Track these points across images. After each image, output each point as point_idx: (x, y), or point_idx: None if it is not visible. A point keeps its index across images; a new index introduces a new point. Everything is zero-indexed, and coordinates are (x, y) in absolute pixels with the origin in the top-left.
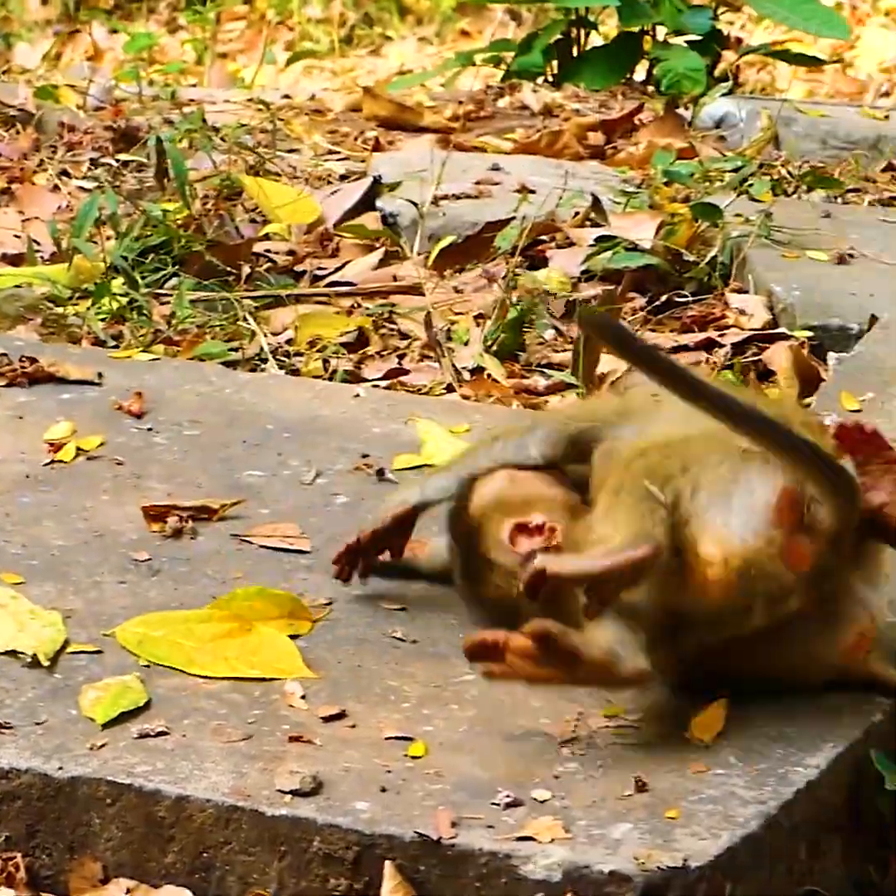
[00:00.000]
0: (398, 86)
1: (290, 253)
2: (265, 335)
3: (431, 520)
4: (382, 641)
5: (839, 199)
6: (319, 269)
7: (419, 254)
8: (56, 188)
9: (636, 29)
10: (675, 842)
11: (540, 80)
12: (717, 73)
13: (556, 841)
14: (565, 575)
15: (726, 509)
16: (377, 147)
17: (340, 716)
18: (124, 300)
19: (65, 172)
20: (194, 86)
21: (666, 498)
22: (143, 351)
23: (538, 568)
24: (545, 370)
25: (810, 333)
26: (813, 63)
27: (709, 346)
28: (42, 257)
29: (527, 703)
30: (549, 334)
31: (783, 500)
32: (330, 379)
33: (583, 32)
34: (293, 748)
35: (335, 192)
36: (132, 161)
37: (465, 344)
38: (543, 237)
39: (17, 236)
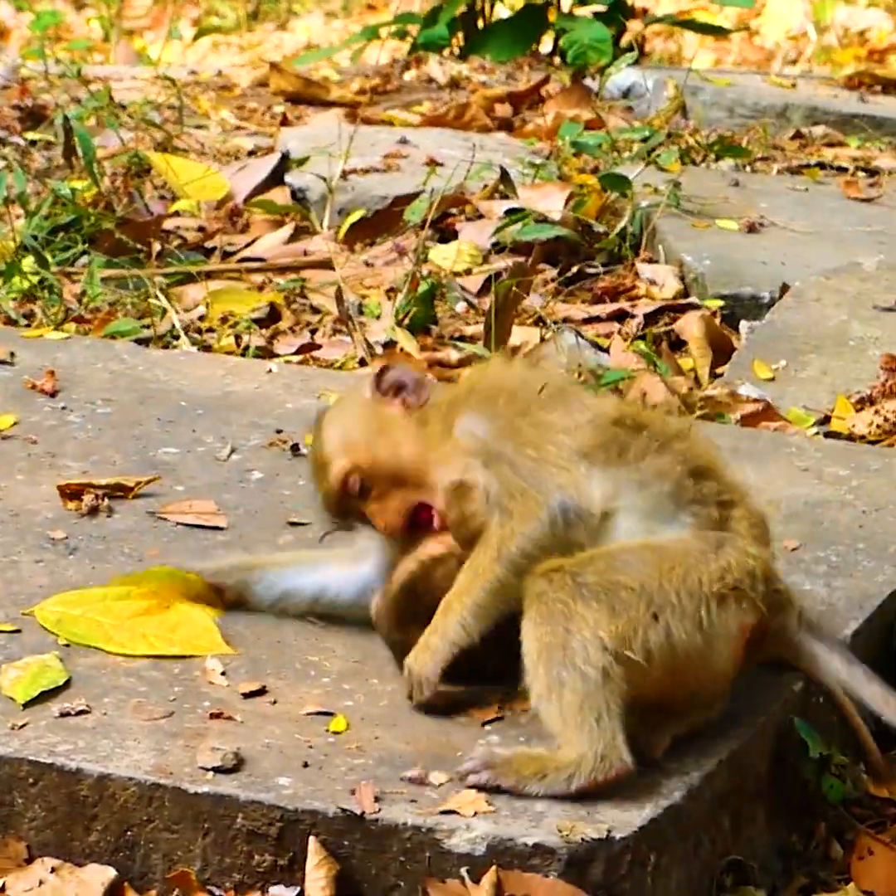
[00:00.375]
0: (305, 60)
1: (200, 229)
2: (177, 312)
3: None
4: (300, 617)
5: (748, 168)
6: (229, 245)
7: (329, 228)
8: None
9: (541, 1)
10: (598, 814)
11: (446, 52)
12: (622, 43)
13: (480, 815)
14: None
15: None
16: (285, 122)
17: (261, 692)
18: (35, 279)
19: None
20: (101, 63)
21: None
22: (54, 329)
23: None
24: (458, 343)
25: (722, 303)
26: (719, 32)
27: (620, 316)
28: None
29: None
30: (460, 307)
31: None
32: (242, 355)
33: (488, 4)
34: (214, 725)
35: (243, 167)
36: (40, 140)
37: (377, 318)
38: (453, 210)
39: None
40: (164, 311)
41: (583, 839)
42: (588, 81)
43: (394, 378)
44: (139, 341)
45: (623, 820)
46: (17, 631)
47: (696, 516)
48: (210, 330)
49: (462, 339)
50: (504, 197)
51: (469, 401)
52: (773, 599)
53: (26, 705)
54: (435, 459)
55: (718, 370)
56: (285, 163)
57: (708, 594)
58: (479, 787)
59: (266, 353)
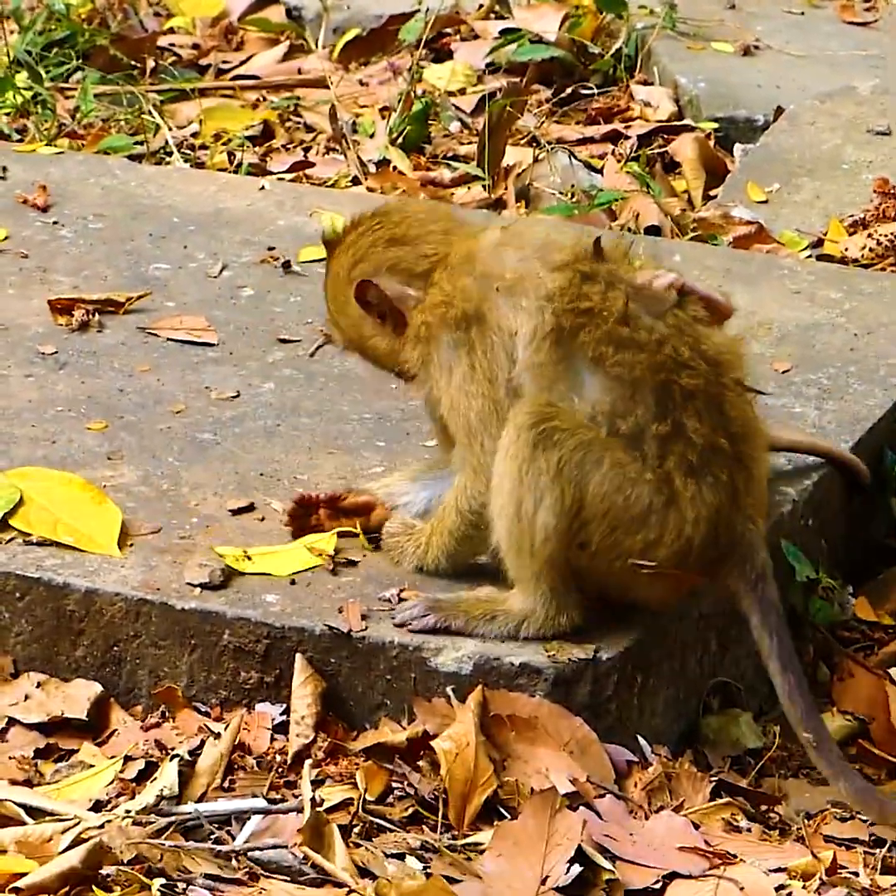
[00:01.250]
0: None
1: (195, 46)
2: (170, 128)
3: None
4: (291, 434)
5: None
6: (224, 62)
7: (324, 47)
8: None
9: None
10: (585, 634)
11: None
12: None
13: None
14: None
15: None
16: None
17: (249, 508)
18: (28, 94)
19: None
20: None
21: None
22: (47, 145)
23: None
24: (451, 162)
25: (716, 125)
26: None
27: (615, 137)
28: None
29: None
30: (454, 127)
31: None
32: (235, 172)
33: None
34: (202, 541)
35: None
36: None
37: (371, 136)
38: (448, 30)
39: None
40: (158, 127)
41: (569, 659)
42: None
43: (374, 299)
44: (132, 157)
45: (610, 640)
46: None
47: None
48: (203, 147)
49: (455, 158)
50: (499, 17)
51: (438, 325)
52: (722, 553)
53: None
54: (414, 372)
55: (712, 192)
56: None
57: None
58: (426, 631)
59: (259, 170)
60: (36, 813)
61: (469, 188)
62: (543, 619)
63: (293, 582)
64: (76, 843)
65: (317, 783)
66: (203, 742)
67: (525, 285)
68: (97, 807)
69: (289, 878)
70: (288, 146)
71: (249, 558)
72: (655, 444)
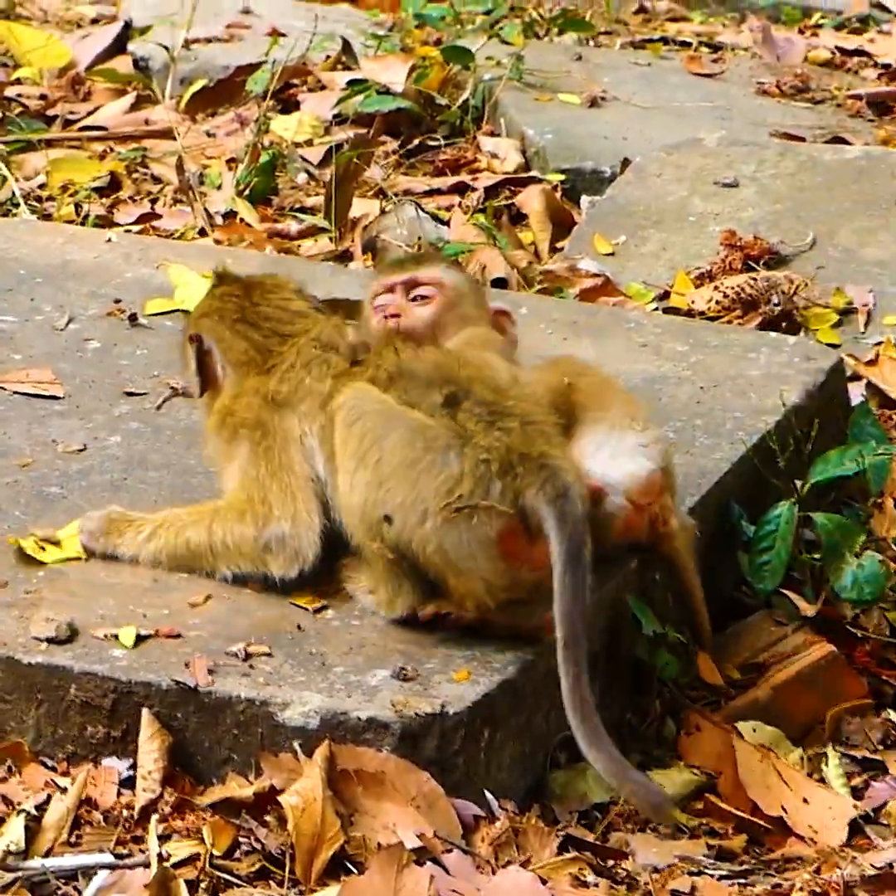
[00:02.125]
0: None
1: (42, 97)
2: (17, 180)
3: None
4: (137, 487)
5: (591, 42)
6: (71, 113)
7: (171, 98)
8: None
9: None
10: (432, 689)
11: None
12: None
13: (314, 688)
14: None
15: None
16: None
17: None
18: None
19: None
20: None
21: None
22: None
23: None
24: (298, 214)
25: (563, 177)
26: None
27: (462, 189)
28: None
29: None
30: (301, 178)
31: None
32: (82, 223)
33: None
34: (49, 595)
35: (86, 36)
36: None
37: (218, 188)
38: (295, 81)
39: None
40: (4, 178)
41: (416, 714)
42: None
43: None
44: None
45: (456, 695)
46: None
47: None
48: (50, 198)
49: (303, 210)
50: (346, 68)
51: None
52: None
53: None
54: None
55: (558, 244)
56: (128, 31)
57: (437, 517)
58: None
59: (106, 222)
60: None
61: (316, 240)
62: (384, 602)
63: (139, 636)
64: None
65: (164, 838)
66: (49, 797)
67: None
68: None
69: None
70: (135, 198)
71: (43, 549)
72: (447, 413)
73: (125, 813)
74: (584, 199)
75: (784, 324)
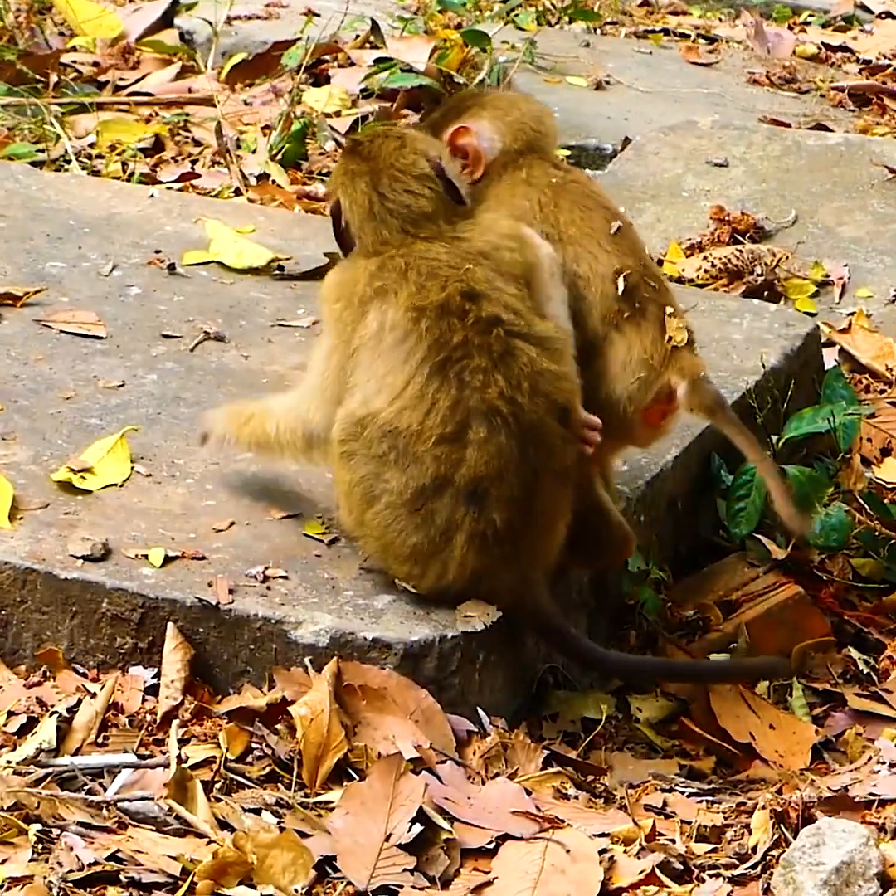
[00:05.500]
0: None
1: (95, 64)
2: (69, 139)
3: None
4: (170, 422)
5: (598, 31)
6: (121, 80)
7: (213, 69)
8: None
9: None
10: (433, 614)
11: None
12: None
13: (325, 609)
14: None
15: None
16: None
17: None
18: None
19: None
20: None
21: None
22: None
23: None
24: (325, 178)
25: (568, 152)
26: None
27: None
28: None
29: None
30: (329, 146)
31: None
32: (128, 180)
33: None
34: (85, 517)
35: (137, 9)
36: None
37: (253, 152)
38: (327, 57)
39: None
40: (58, 137)
41: (417, 636)
42: None
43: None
44: (34, 164)
45: (456, 620)
46: None
47: None
48: (99, 156)
49: (329, 174)
50: (374, 47)
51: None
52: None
53: None
54: None
55: None
56: (175, 6)
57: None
58: None
59: (150, 179)
60: None
61: None
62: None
63: (168, 557)
64: None
65: (183, 742)
66: (80, 701)
67: None
68: None
69: (154, 828)
70: (177, 158)
71: (84, 478)
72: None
73: (148, 718)
74: (587, 173)
75: (766, 293)
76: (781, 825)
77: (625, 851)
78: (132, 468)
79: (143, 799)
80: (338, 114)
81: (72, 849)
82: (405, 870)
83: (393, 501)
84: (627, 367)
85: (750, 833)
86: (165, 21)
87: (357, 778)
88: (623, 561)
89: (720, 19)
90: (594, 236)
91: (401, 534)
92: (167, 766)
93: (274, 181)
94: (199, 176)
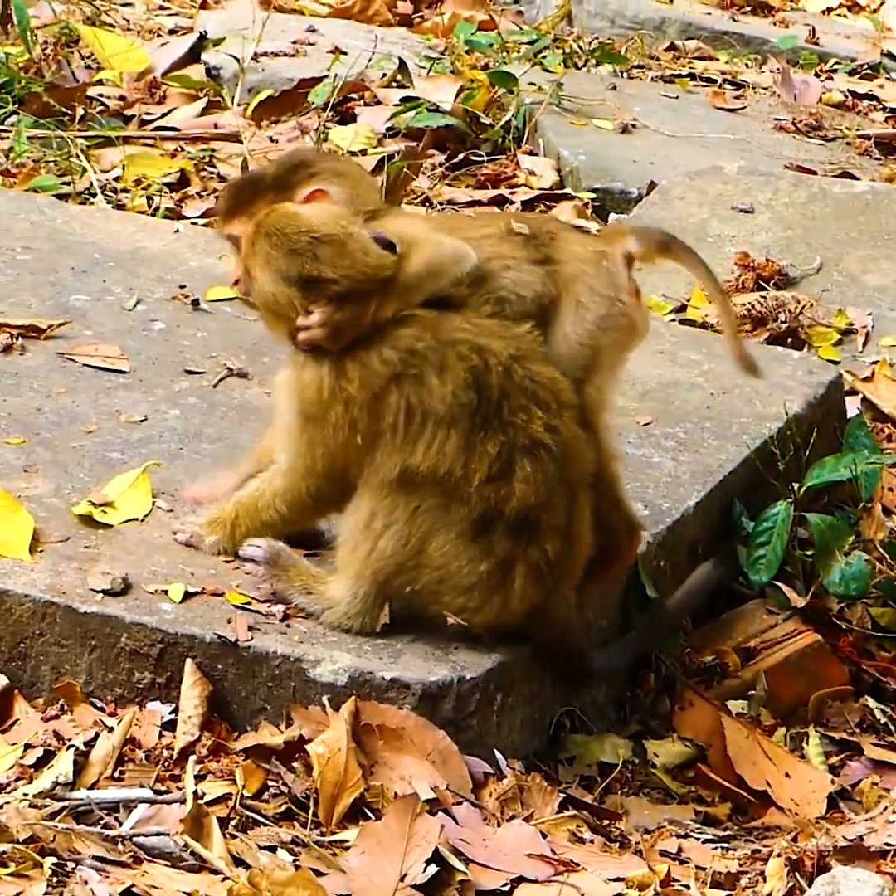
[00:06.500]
0: None
1: (121, 98)
2: (95, 172)
3: None
4: (192, 457)
5: (625, 75)
6: (147, 114)
7: (239, 105)
8: None
9: None
10: (452, 654)
11: None
12: None
13: (344, 648)
14: None
15: None
16: (204, 5)
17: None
18: None
19: None
20: None
21: None
22: None
23: None
24: None
25: (594, 195)
26: None
27: (500, 202)
28: None
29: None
30: None
31: None
32: (153, 214)
33: None
34: (106, 551)
35: (164, 44)
36: None
37: None
38: (353, 95)
39: None
40: (84, 170)
41: (436, 677)
42: None
43: None
44: (59, 196)
45: (475, 661)
46: None
47: None
48: (124, 190)
49: None
50: (400, 86)
51: None
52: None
53: None
54: None
55: None
56: (202, 42)
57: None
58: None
59: (175, 214)
60: None
61: None
62: (344, 614)
63: (187, 593)
64: None
65: (199, 778)
66: (97, 735)
67: None
68: None
69: (170, 863)
70: (202, 193)
71: (104, 512)
72: (504, 540)
73: (165, 753)
74: (612, 217)
75: (789, 340)
76: (796, 873)
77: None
78: (153, 503)
79: (158, 834)
80: (364, 152)
81: (87, 883)
82: None
83: (465, 533)
84: (583, 278)
85: (764, 880)
86: (192, 56)
87: (373, 817)
88: (633, 555)
89: (747, 65)
90: (478, 230)
91: (465, 570)
92: (183, 801)
93: None
94: None
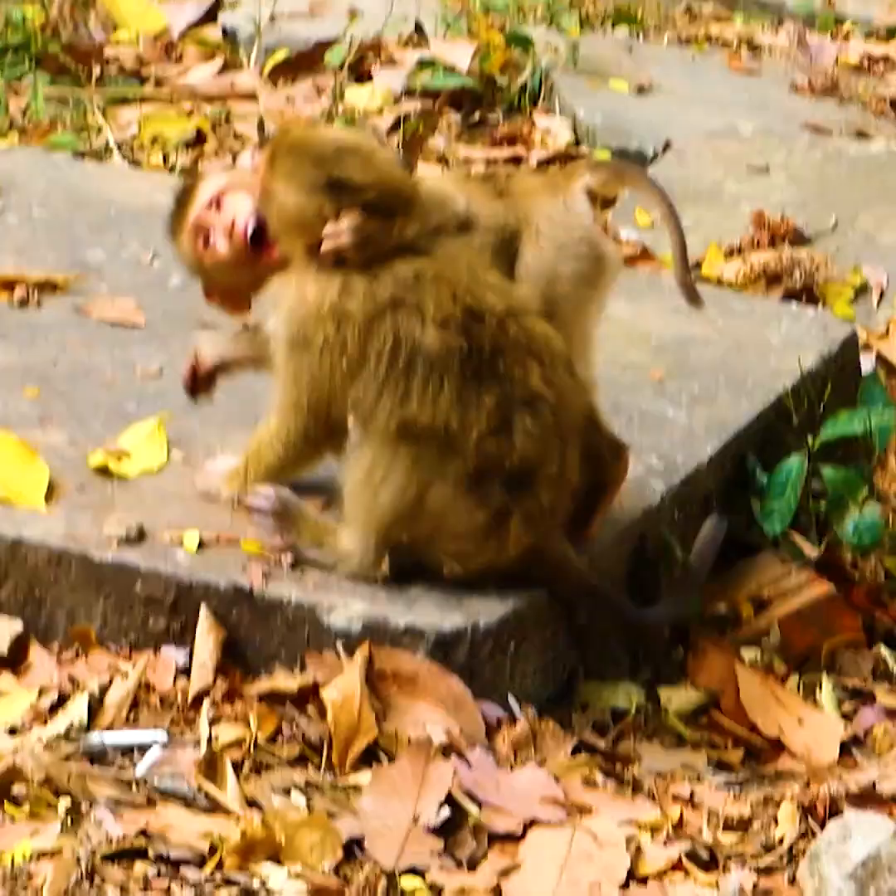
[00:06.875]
0: None
1: (138, 58)
2: (112, 130)
3: None
4: (207, 410)
5: (641, 36)
6: (163, 74)
7: (255, 65)
8: None
9: None
10: (467, 601)
11: None
12: None
13: (358, 595)
14: None
15: None
16: None
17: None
18: None
19: None
20: None
21: None
22: None
23: None
24: None
25: (609, 155)
26: None
27: (516, 160)
28: None
29: None
30: None
31: None
32: (169, 172)
33: None
34: (121, 500)
35: (181, 4)
36: None
37: None
38: (369, 56)
39: None
40: (101, 128)
41: (450, 624)
42: None
43: None
44: (76, 154)
45: (489, 609)
46: None
47: None
48: (141, 148)
49: None
50: (417, 47)
51: None
52: None
53: None
54: None
55: (604, 215)
56: (219, 3)
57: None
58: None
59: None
60: None
61: None
62: (358, 564)
63: (202, 542)
64: None
65: (214, 722)
66: (112, 679)
67: None
68: (12, 732)
69: (184, 805)
70: (218, 151)
71: (120, 461)
72: (500, 491)
73: (180, 697)
74: None
75: (804, 297)
76: (808, 818)
77: (652, 839)
78: (168, 454)
79: (172, 776)
80: (380, 112)
81: (101, 823)
82: (433, 852)
83: (450, 489)
84: (542, 208)
85: (777, 825)
86: (209, 17)
87: (386, 762)
88: (625, 472)
89: (763, 28)
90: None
91: (464, 520)
92: (197, 744)
93: None
94: None
